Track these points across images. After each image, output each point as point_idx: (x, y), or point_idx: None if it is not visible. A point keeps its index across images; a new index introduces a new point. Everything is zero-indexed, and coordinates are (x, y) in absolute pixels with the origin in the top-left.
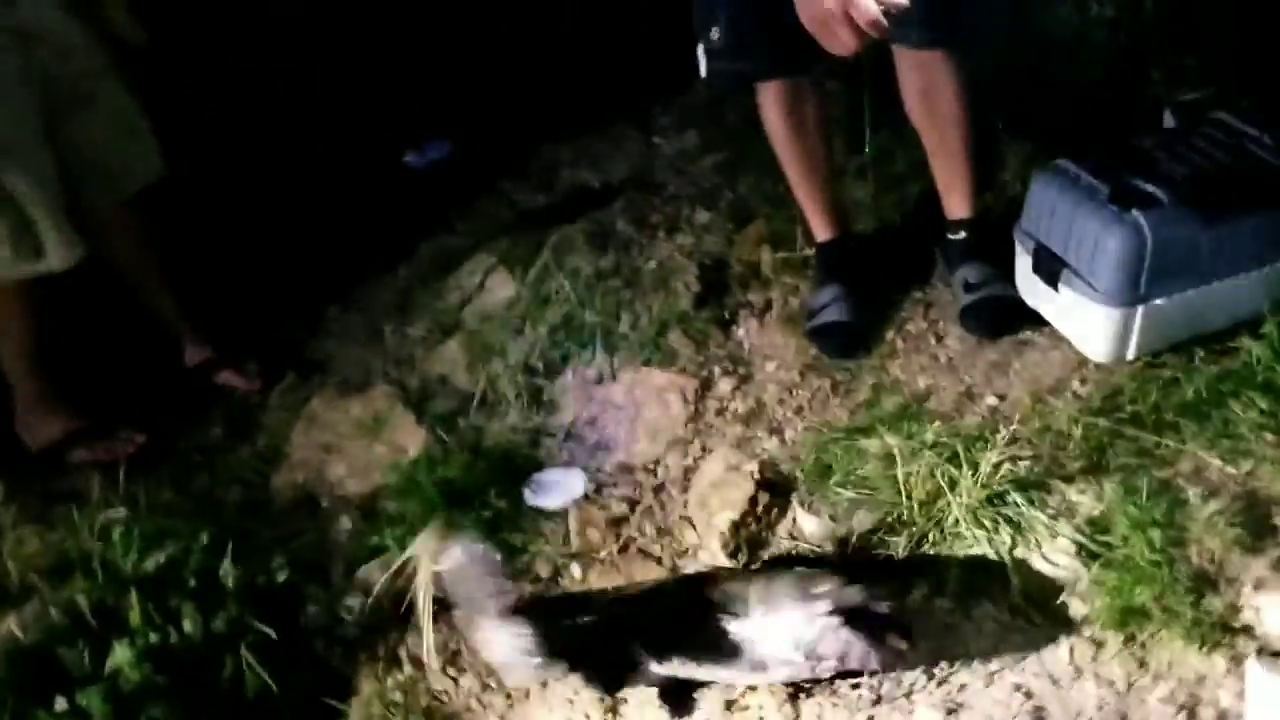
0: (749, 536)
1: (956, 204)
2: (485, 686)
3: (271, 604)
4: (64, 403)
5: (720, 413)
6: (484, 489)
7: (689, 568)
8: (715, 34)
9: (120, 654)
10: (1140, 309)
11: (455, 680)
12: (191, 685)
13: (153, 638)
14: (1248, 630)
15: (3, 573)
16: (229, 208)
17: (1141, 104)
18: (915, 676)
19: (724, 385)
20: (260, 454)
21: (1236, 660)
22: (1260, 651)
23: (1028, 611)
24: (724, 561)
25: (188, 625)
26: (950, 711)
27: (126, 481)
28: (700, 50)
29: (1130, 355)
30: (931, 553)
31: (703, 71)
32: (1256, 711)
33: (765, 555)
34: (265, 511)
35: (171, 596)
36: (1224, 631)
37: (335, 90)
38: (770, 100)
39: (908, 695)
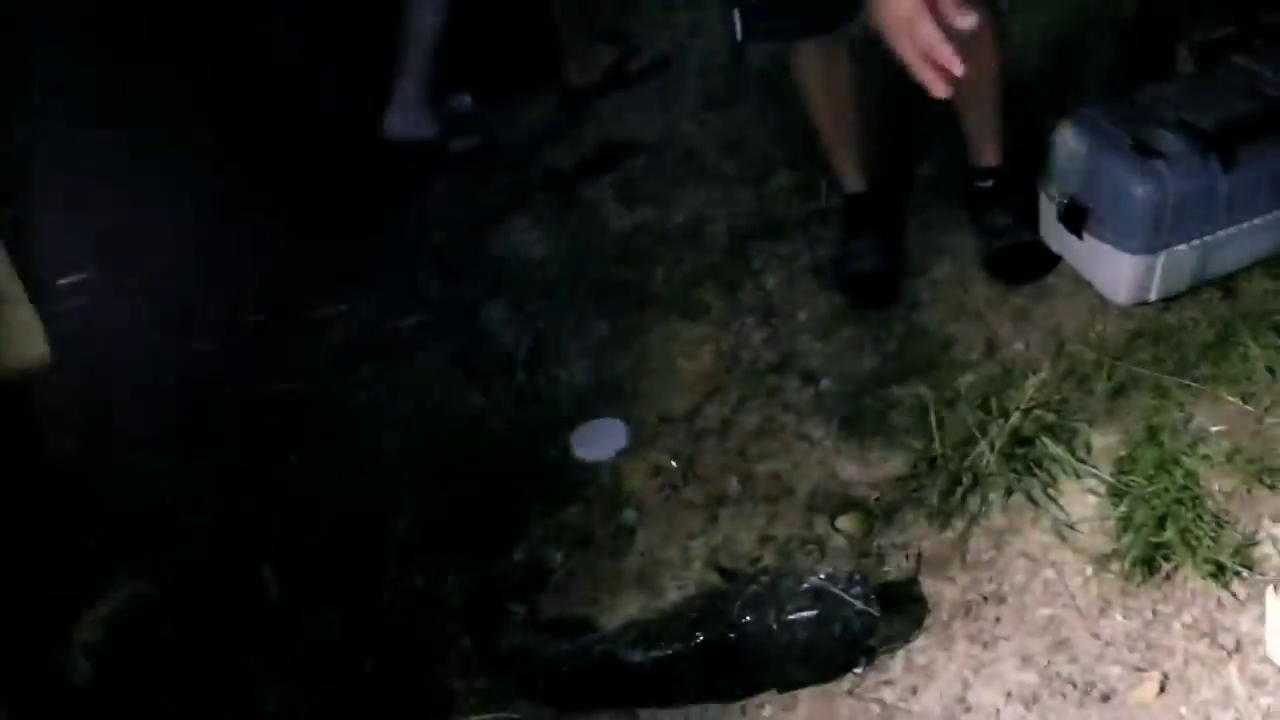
0: (788, 485)
1: (984, 154)
2: None
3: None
4: None
5: (754, 363)
6: (533, 444)
7: (729, 515)
8: None
9: None
10: (1162, 254)
11: None
12: None
13: None
14: (1265, 560)
15: None
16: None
17: (1158, 46)
18: (955, 611)
19: (756, 336)
20: (315, 425)
21: (1255, 589)
22: (1276, 581)
23: (1059, 549)
24: (762, 508)
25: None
26: (986, 645)
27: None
28: (735, 14)
29: (1152, 298)
30: (965, 496)
31: (738, 35)
32: (1274, 637)
33: (799, 496)
34: (324, 479)
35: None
36: (1243, 562)
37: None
38: (803, 59)
39: (948, 626)
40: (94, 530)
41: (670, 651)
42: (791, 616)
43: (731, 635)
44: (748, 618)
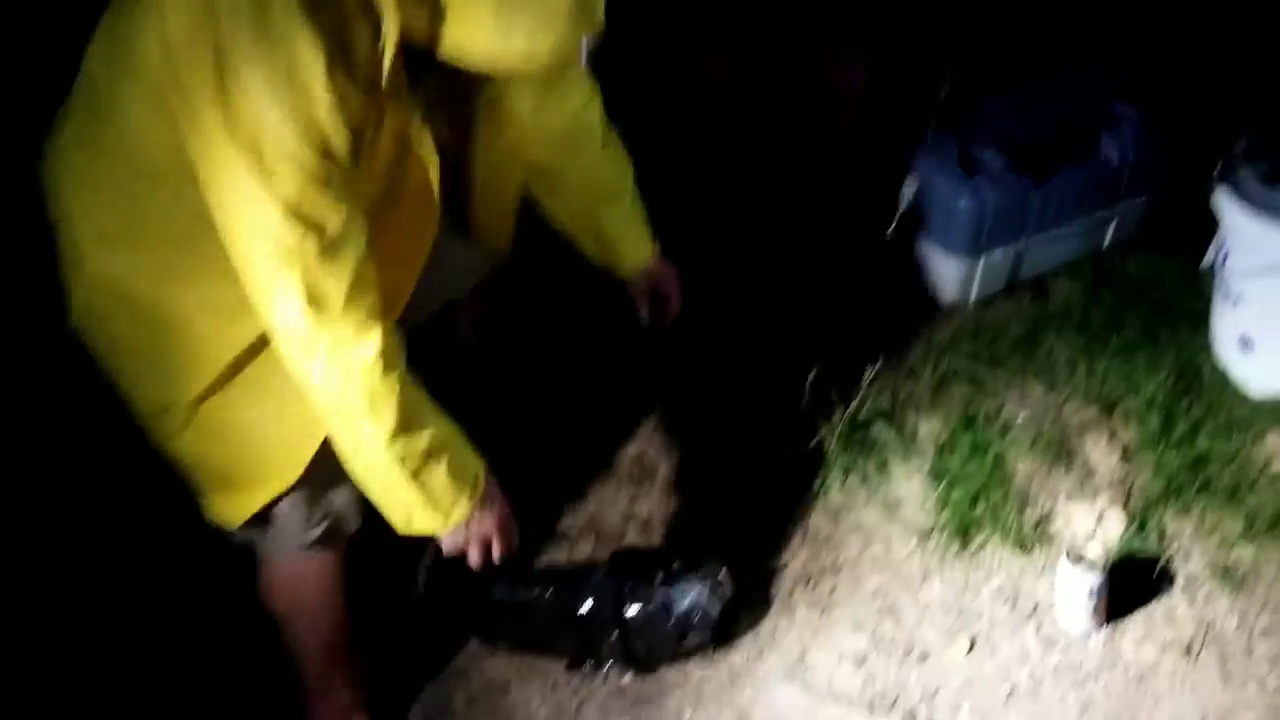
0: (650, 467)
1: None
2: None
3: None
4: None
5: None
6: None
7: (596, 493)
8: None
9: None
10: (982, 259)
11: None
12: None
13: None
14: (1058, 534)
15: None
16: None
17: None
18: (796, 581)
19: None
20: None
21: (1050, 559)
22: (1068, 552)
23: (887, 525)
24: (626, 488)
25: None
26: (823, 611)
27: None
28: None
29: (973, 298)
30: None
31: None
32: (1064, 600)
33: (660, 476)
34: None
35: None
36: (1041, 535)
37: None
38: None
39: (790, 595)
40: None
41: (530, 599)
42: (640, 604)
43: (588, 606)
44: (603, 596)
